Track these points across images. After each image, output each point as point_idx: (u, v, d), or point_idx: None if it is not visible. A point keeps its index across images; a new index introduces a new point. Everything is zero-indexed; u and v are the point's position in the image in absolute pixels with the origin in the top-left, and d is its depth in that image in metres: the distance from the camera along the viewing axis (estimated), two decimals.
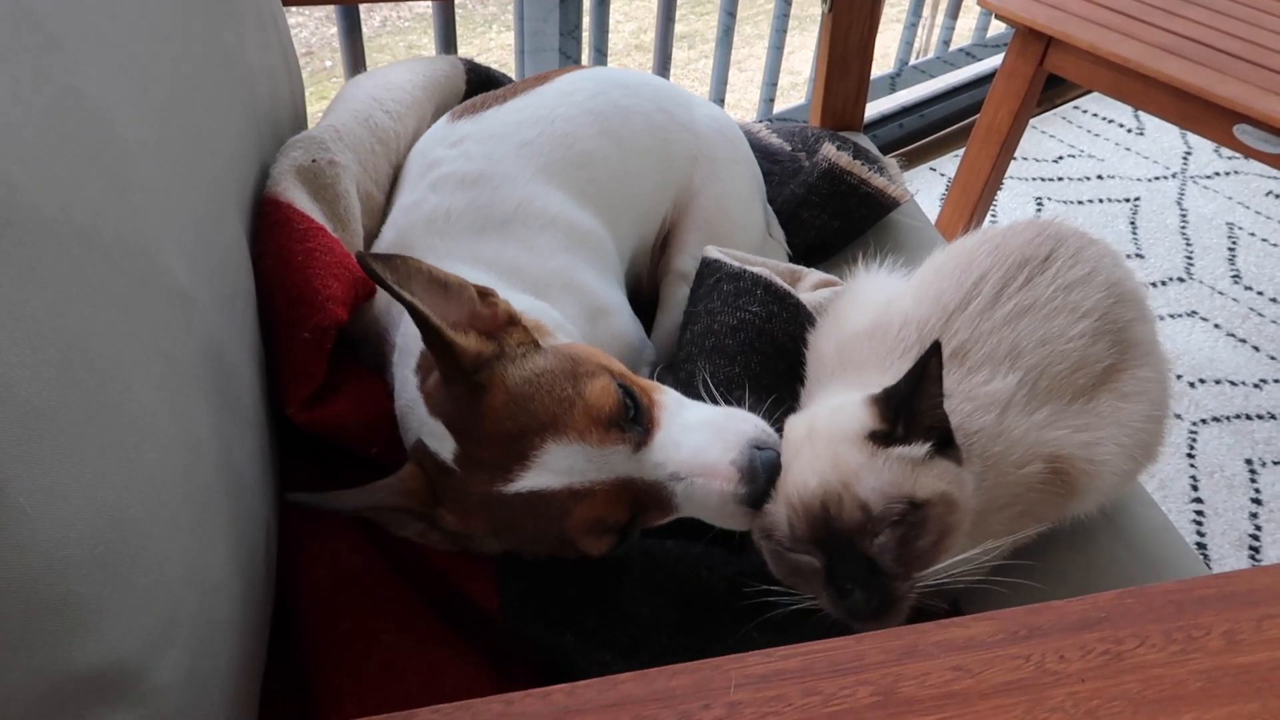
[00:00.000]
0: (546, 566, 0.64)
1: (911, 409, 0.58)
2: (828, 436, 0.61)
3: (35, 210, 0.39)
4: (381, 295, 0.73)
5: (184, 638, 0.44)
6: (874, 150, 1.12)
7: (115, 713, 0.39)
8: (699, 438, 0.60)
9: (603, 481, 0.58)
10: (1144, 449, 0.69)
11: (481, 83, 1.02)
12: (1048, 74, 1.54)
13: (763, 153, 1.08)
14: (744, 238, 0.93)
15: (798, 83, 2.72)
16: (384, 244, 0.79)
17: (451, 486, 0.60)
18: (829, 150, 0.98)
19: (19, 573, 0.34)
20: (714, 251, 0.82)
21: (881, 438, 0.59)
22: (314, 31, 3.00)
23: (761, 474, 0.60)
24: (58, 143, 0.42)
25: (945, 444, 0.60)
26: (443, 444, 0.60)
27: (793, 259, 0.99)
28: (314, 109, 1.02)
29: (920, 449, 0.59)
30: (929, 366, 0.57)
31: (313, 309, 0.64)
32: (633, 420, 0.60)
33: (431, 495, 0.61)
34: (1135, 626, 0.45)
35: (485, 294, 0.62)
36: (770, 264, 0.83)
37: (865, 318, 0.73)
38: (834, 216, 0.98)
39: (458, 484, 0.60)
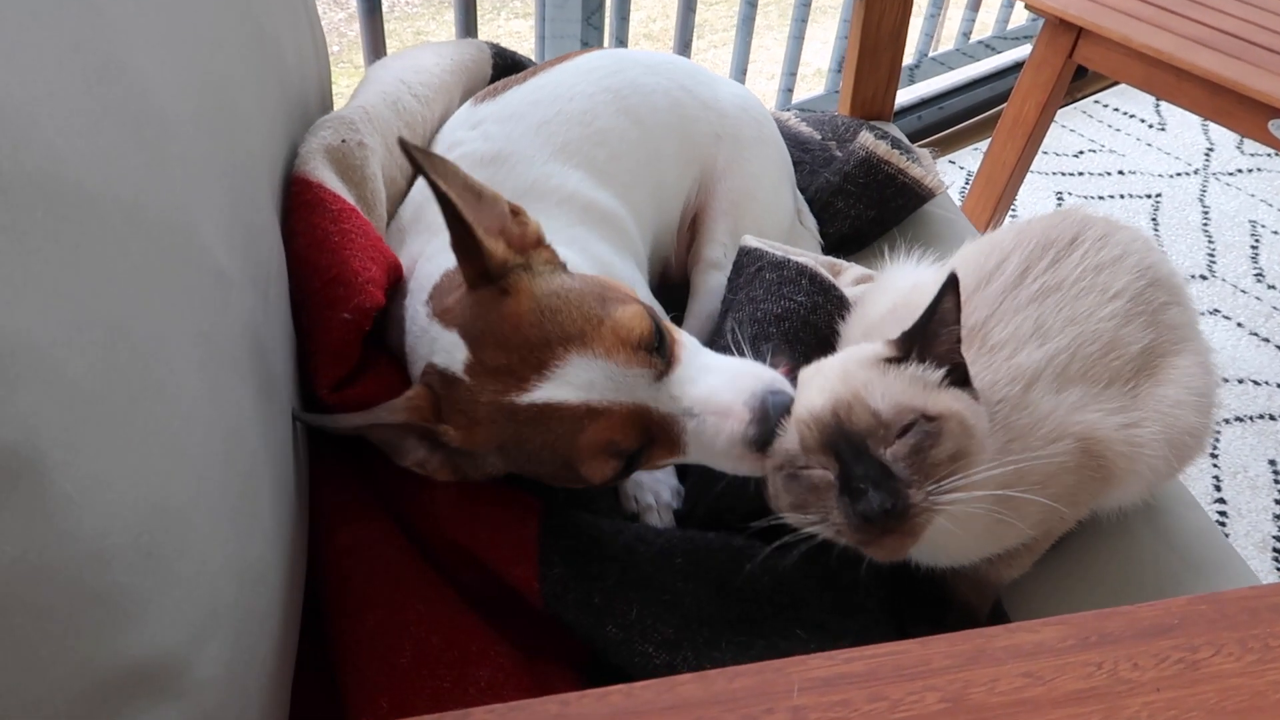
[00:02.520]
0: (588, 552, 0.63)
1: (926, 339, 0.57)
2: (840, 363, 0.61)
3: (79, 184, 0.37)
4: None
5: (224, 629, 0.43)
6: (906, 141, 1.10)
7: (158, 706, 0.38)
8: (716, 380, 0.60)
9: (620, 403, 0.57)
10: (1187, 437, 0.67)
11: (507, 66, 1.00)
12: (1076, 66, 1.52)
13: (792, 141, 1.06)
14: (771, 221, 0.92)
15: (807, 74, 2.69)
16: (403, 220, 0.78)
17: (459, 398, 0.59)
18: (866, 139, 0.96)
19: (65, 563, 0.33)
20: (753, 240, 0.81)
21: (894, 362, 0.58)
22: (322, 14, 2.97)
23: (773, 415, 0.58)
24: (101, 115, 0.40)
25: (961, 381, 0.59)
26: (454, 356, 0.59)
27: (825, 249, 0.98)
28: None
29: (934, 374, 0.57)
30: (943, 301, 0.56)
31: (353, 290, 0.62)
32: (657, 351, 0.59)
33: (436, 412, 0.60)
34: (1210, 634, 0.43)
35: (516, 212, 0.62)
36: (811, 256, 0.81)
37: (889, 300, 0.72)
38: (870, 206, 0.96)
39: (466, 394, 0.58)
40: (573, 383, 0.57)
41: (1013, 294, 0.65)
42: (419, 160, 0.56)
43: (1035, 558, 0.67)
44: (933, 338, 0.57)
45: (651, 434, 0.59)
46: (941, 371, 0.57)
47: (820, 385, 0.59)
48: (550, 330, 0.57)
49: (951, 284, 0.56)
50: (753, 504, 0.61)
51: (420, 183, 0.80)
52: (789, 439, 0.58)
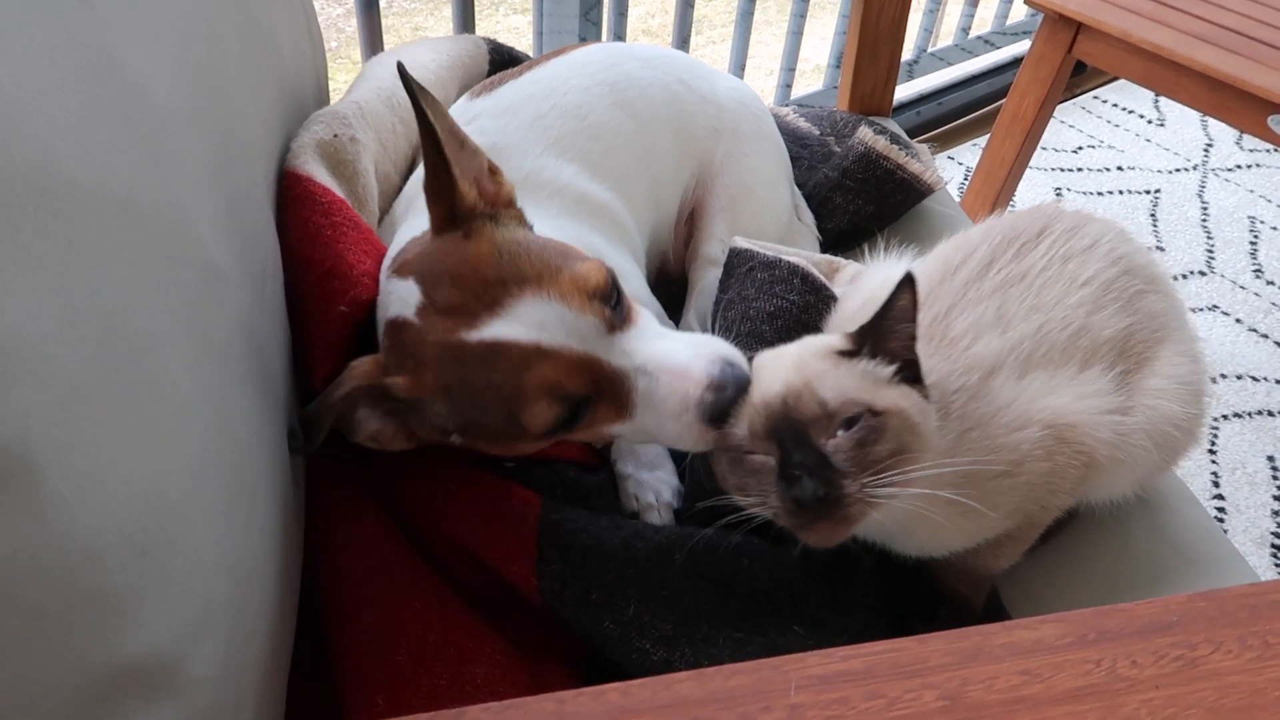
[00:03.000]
0: (587, 548, 0.62)
1: (880, 334, 0.58)
2: (796, 352, 0.61)
3: (72, 179, 0.37)
4: None
5: (219, 627, 0.42)
6: (905, 136, 1.10)
7: (152, 705, 0.37)
8: (673, 345, 0.61)
9: (570, 349, 0.57)
10: (1171, 427, 0.66)
11: (504, 62, 1.00)
12: (1075, 62, 1.52)
13: (790, 136, 1.05)
14: (769, 216, 0.91)
15: (805, 70, 2.68)
16: (396, 213, 0.78)
17: (409, 341, 0.59)
18: (865, 134, 0.95)
19: (57, 562, 0.32)
20: (742, 242, 0.81)
21: (848, 355, 0.59)
22: (319, 9, 2.96)
23: (730, 387, 0.58)
24: (93, 109, 0.40)
25: (913, 379, 0.59)
26: (407, 301, 0.59)
27: (823, 245, 0.97)
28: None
29: (885, 369, 0.58)
30: (898, 299, 0.56)
31: (348, 283, 0.62)
32: (614, 307, 0.59)
33: (383, 370, 0.59)
34: (1208, 631, 0.43)
35: (494, 170, 0.64)
36: (805, 255, 0.81)
37: (861, 296, 0.73)
38: (868, 201, 0.96)
39: (415, 336, 0.59)
40: (524, 321, 0.56)
41: (976, 285, 0.65)
42: (413, 89, 0.57)
43: (1024, 548, 0.67)
44: (886, 334, 0.58)
45: (600, 387, 0.59)
46: (893, 368, 0.58)
47: (775, 371, 0.59)
48: (507, 271, 0.57)
49: (907, 281, 0.56)
50: None
51: (415, 177, 0.79)
52: (739, 424, 0.58)
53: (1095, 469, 0.64)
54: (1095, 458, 0.63)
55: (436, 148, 0.59)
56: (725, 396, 0.58)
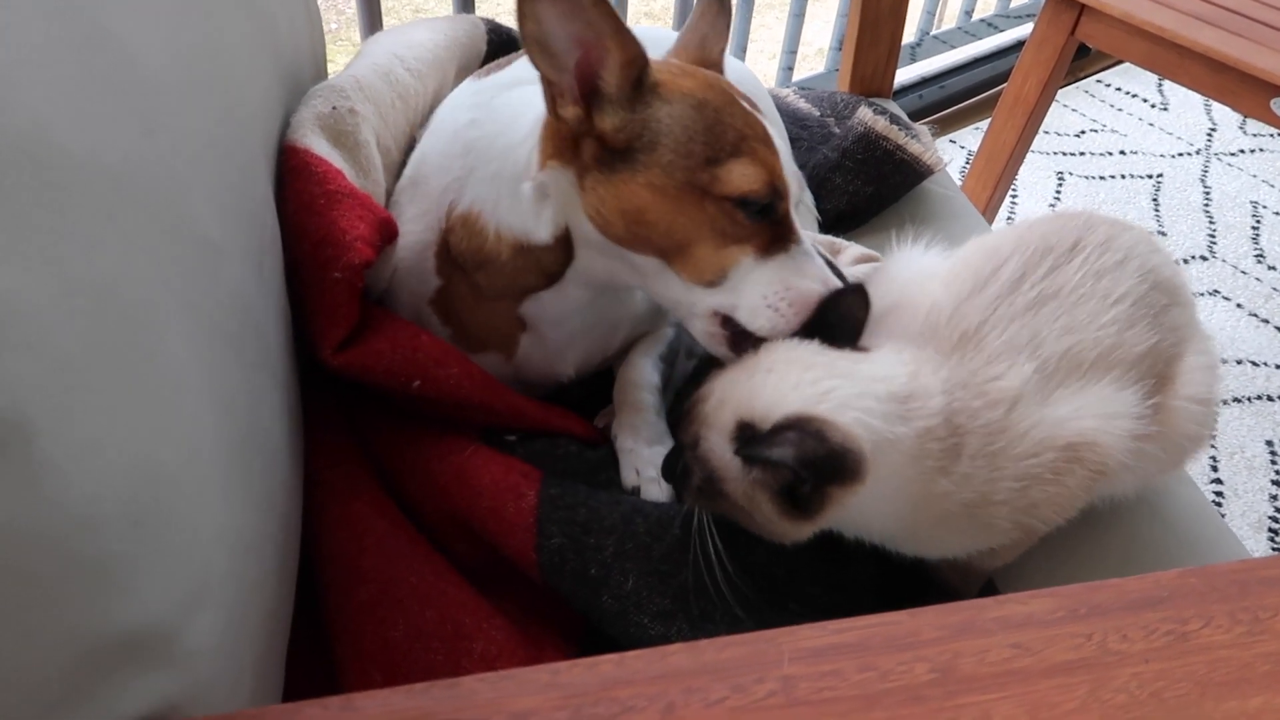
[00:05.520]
0: (586, 523, 0.63)
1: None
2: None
3: (65, 150, 0.37)
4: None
5: (216, 599, 0.42)
6: (905, 117, 1.09)
7: (148, 675, 0.38)
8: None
9: (788, 179, 0.64)
10: (1185, 440, 0.67)
11: (503, 43, 1.00)
12: (1078, 44, 1.51)
13: (790, 118, 1.05)
14: None
15: (808, 53, 2.67)
16: (401, 199, 0.77)
17: (683, 65, 0.67)
18: (865, 115, 0.95)
19: (53, 531, 0.33)
20: None
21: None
22: None
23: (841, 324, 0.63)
24: (86, 81, 0.40)
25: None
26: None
27: (822, 225, 0.97)
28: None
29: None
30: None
31: (341, 249, 0.62)
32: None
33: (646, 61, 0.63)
34: (1199, 606, 0.43)
35: None
36: (810, 235, 0.81)
37: (892, 294, 0.71)
38: (867, 182, 0.95)
39: (688, 66, 0.68)
40: (776, 128, 0.65)
41: (1008, 301, 0.63)
42: None
43: (1020, 551, 0.67)
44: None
45: (779, 216, 0.63)
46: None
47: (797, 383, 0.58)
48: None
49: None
50: None
51: (421, 148, 0.78)
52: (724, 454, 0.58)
53: (1107, 478, 0.63)
54: (1108, 472, 0.62)
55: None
56: (833, 314, 0.62)
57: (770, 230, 0.63)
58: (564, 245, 0.66)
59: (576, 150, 0.63)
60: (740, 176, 0.61)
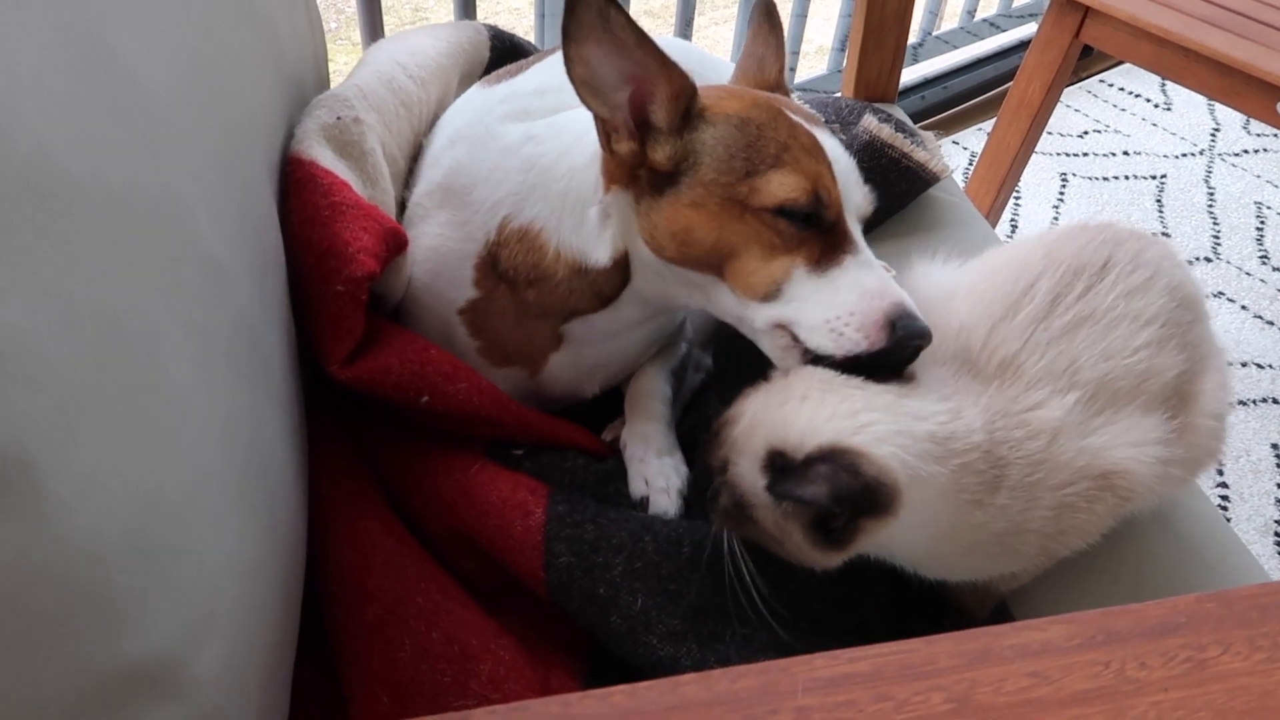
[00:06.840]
0: (595, 541, 0.62)
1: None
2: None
3: (68, 176, 0.36)
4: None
5: (223, 628, 0.42)
6: (910, 123, 1.08)
7: (156, 707, 0.37)
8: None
9: (837, 184, 0.63)
10: (1204, 456, 0.66)
11: (506, 49, 0.99)
12: (1082, 46, 1.50)
13: None
14: None
15: (809, 51, 2.66)
16: (418, 212, 0.76)
17: (731, 88, 0.68)
18: (870, 122, 0.94)
19: (58, 566, 0.32)
20: None
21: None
22: None
23: (900, 335, 0.59)
24: (88, 101, 0.39)
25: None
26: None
27: None
28: None
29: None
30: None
31: (343, 261, 0.62)
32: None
33: (691, 84, 0.63)
34: (1217, 632, 0.43)
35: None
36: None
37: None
38: (872, 191, 0.95)
39: (736, 88, 0.69)
40: (827, 138, 0.64)
41: (1044, 324, 0.62)
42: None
43: (1037, 574, 0.66)
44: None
45: (831, 225, 0.62)
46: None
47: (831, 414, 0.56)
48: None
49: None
50: None
51: (430, 155, 0.78)
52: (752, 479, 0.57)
53: (1133, 504, 0.63)
54: (1135, 498, 0.61)
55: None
56: (897, 337, 0.59)
57: (821, 240, 0.62)
58: (620, 269, 0.66)
59: (634, 176, 0.64)
60: (778, 185, 0.60)
